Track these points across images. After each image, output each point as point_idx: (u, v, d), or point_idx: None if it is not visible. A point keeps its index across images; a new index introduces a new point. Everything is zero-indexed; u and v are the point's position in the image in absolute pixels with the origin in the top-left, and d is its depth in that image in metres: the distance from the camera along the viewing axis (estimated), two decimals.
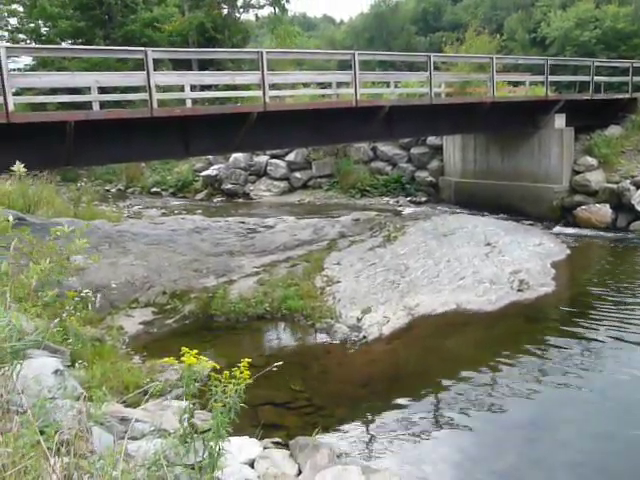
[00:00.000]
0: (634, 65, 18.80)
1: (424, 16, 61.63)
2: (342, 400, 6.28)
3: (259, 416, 5.66)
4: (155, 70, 9.15)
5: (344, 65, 11.50)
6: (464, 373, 6.72)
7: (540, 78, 16.23)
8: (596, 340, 7.57)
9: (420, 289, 9.28)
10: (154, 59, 9.01)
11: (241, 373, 2.80)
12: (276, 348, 7.85)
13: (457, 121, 14.45)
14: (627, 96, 17.68)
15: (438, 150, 19.50)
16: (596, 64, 17.36)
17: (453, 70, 19.00)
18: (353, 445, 5.32)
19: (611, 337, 7.62)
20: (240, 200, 21.23)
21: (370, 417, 5.82)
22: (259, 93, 10.21)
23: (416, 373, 6.98)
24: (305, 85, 17.26)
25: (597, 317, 8.39)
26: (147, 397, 3.76)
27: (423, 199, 19.09)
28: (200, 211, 18.25)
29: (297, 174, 21.41)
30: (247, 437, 4.50)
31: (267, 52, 10.37)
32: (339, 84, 15.38)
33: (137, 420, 3.47)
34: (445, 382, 6.53)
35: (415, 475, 4.90)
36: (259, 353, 7.55)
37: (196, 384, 2.84)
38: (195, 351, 2.82)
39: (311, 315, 8.42)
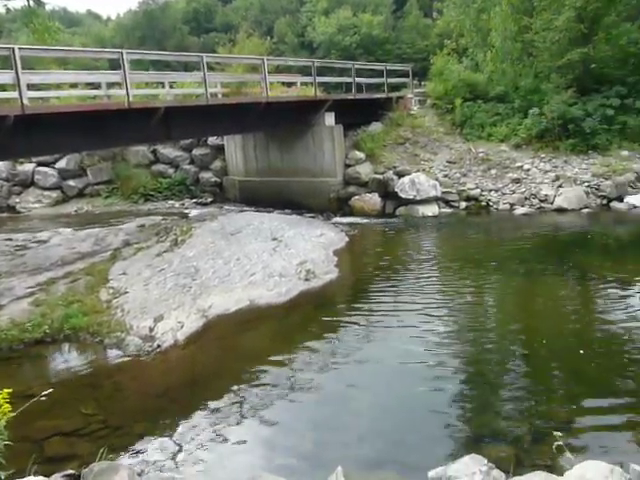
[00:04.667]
0: (388, 68, 21.02)
1: (196, 16, 61.34)
2: (140, 415, 6.00)
3: (46, 450, 5.16)
4: None
5: (116, 65, 10.88)
6: (263, 366, 6.88)
7: (309, 79, 17.23)
8: (376, 317, 8.32)
9: (212, 290, 9.27)
10: None
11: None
12: (61, 372, 7.17)
13: (235, 121, 14.66)
14: (384, 96, 19.70)
15: (220, 150, 19.57)
16: (356, 67, 18.99)
17: (228, 71, 19.28)
18: (157, 459, 5.12)
19: (388, 312, 8.45)
20: (4, 215, 18.84)
21: (172, 427, 5.65)
22: (15, 94, 9.18)
23: (215, 374, 6.95)
24: (73, 86, 16.00)
25: (376, 296, 9.25)
26: None
27: (209, 200, 19.02)
28: None
29: (71, 182, 19.70)
30: (32, 477, 4.04)
31: (20, 49, 9.34)
32: (111, 84, 14.56)
33: None
34: (245, 378, 6.61)
35: (224, 476, 4.91)
36: (41, 381, 6.84)
37: None
38: None
39: (98, 331, 7.87)
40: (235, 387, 6.42)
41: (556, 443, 3.76)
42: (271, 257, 10.86)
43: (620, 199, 14.90)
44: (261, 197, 17.33)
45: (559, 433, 4.85)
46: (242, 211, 16.30)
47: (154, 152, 20.27)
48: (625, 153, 16.16)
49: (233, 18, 53.17)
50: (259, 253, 10.99)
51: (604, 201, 15.04)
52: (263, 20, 56.06)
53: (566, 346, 6.98)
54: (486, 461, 4.01)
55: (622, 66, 18.27)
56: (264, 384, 6.45)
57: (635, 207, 14.53)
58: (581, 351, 6.73)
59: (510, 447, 4.95)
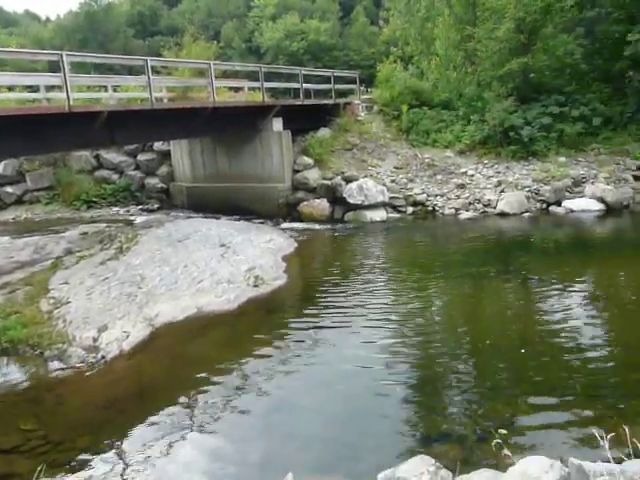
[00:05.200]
0: (335, 74, 21.22)
1: (141, 19, 60.33)
2: (84, 428, 5.80)
3: None
4: None
5: (55, 67, 10.55)
6: (212, 375, 6.78)
7: (257, 84, 17.18)
8: (325, 322, 8.32)
9: (159, 298, 9.08)
10: None
11: None
12: None
13: (182, 126, 14.46)
14: (332, 102, 19.86)
15: (166, 155, 19.26)
16: (304, 73, 19.08)
17: (175, 75, 19.02)
18: (102, 474, 4.97)
19: (337, 317, 8.47)
20: None
21: (118, 440, 5.49)
22: None
23: (164, 384, 6.82)
24: (10, 89, 15.43)
25: (325, 302, 9.25)
26: None
27: (155, 206, 18.66)
28: None
29: (8, 188, 18.91)
30: None
31: None
32: (50, 87, 14.12)
33: None
34: (194, 387, 6.50)
35: None
36: None
37: None
38: None
39: (39, 343, 7.58)
40: (184, 396, 6.30)
41: (495, 441, 3.87)
42: (219, 264, 10.74)
43: (558, 203, 15.50)
44: (209, 203, 17.13)
45: (504, 431, 5.01)
46: (189, 217, 16.08)
47: (97, 157, 19.76)
48: (562, 159, 16.83)
49: (179, 21, 52.29)
50: (207, 260, 10.85)
51: (544, 205, 15.62)
52: (210, 24, 55.56)
53: (509, 346, 7.19)
54: (434, 461, 4.09)
55: (559, 76, 19.08)
56: (213, 392, 6.36)
57: (572, 211, 15.16)
58: (522, 350, 6.94)
59: (457, 446, 5.05)
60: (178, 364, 7.29)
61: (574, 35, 19.26)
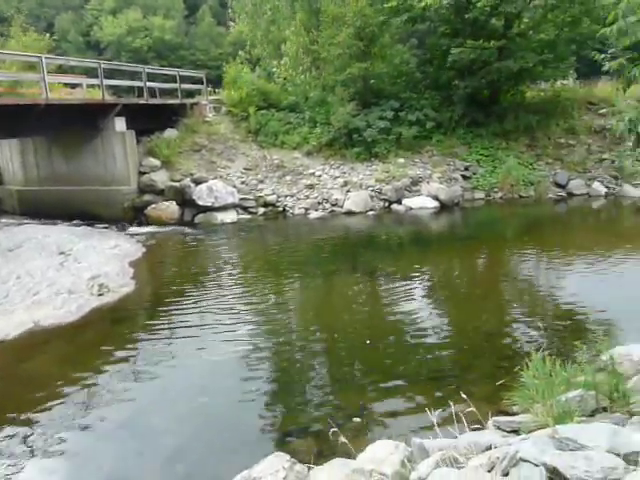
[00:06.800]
0: (181, 74, 20.68)
1: None
2: None
3: None
4: None
5: None
6: (52, 393, 6.26)
7: (96, 81, 16.18)
8: (177, 329, 8.08)
9: None
10: None
11: None
12: None
13: (9, 123, 13.15)
14: (178, 101, 19.34)
15: None
16: (147, 71, 18.34)
17: (1, 68, 17.28)
18: None
19: (190, 323, 8.25)
20: None
21: None
22: None
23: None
24: None
25: (176, 307, 8.98)
26: None
27: None
28: None
29: None
30: None
31: None
32: None
33: None
34: (31, 409, 5.94)
35: None
36: None
37: None
38: None
39: None
40: (18, 420, 5.74)
41: (332, 430, 4.05)
42: (58, 273, 9.97)
43: (399, 202, 16.58)
44: (45, 208, 15.81)
45: (357, 419, 5.24)
46: (22, 224, 14.70)
47: None
48: (401, 160, 18.00)
49: (4, 9, 47.50)
50: (43, 269, 10.02)
51: (386, 204, 16.60)
52: (42, 14, 51.24)
53: (357, 339, 7.52)
54: (289, 457, 4.13)
55: (396, 82, 20.40)
56: (53, 413, 5.87)
57: (411, 209, 16.30)
58: (367, 341, 7.30)
59: (312, 440, 5.17)
60: (11, 385, 6.64)
61: (409, 45, 20.69)
